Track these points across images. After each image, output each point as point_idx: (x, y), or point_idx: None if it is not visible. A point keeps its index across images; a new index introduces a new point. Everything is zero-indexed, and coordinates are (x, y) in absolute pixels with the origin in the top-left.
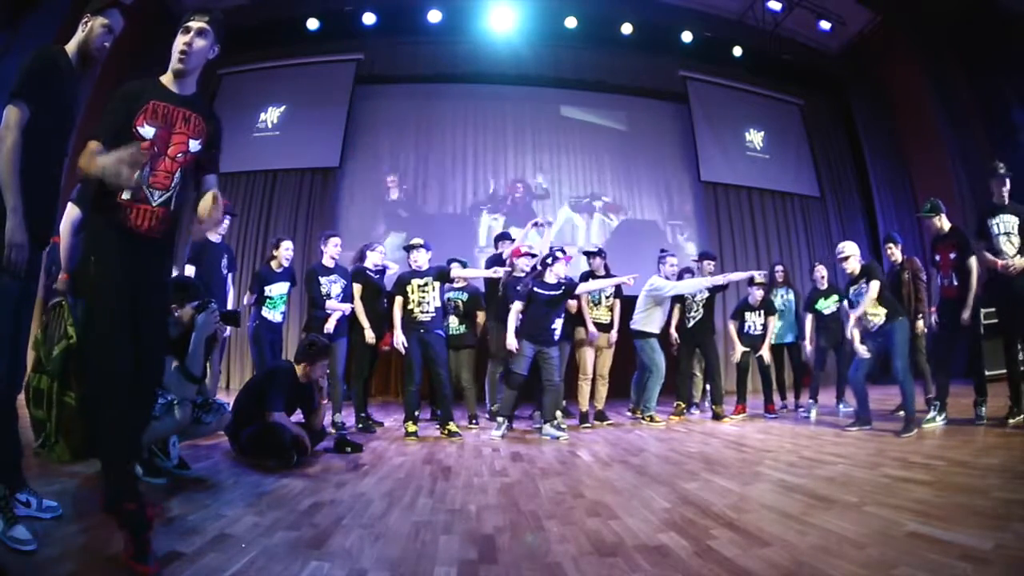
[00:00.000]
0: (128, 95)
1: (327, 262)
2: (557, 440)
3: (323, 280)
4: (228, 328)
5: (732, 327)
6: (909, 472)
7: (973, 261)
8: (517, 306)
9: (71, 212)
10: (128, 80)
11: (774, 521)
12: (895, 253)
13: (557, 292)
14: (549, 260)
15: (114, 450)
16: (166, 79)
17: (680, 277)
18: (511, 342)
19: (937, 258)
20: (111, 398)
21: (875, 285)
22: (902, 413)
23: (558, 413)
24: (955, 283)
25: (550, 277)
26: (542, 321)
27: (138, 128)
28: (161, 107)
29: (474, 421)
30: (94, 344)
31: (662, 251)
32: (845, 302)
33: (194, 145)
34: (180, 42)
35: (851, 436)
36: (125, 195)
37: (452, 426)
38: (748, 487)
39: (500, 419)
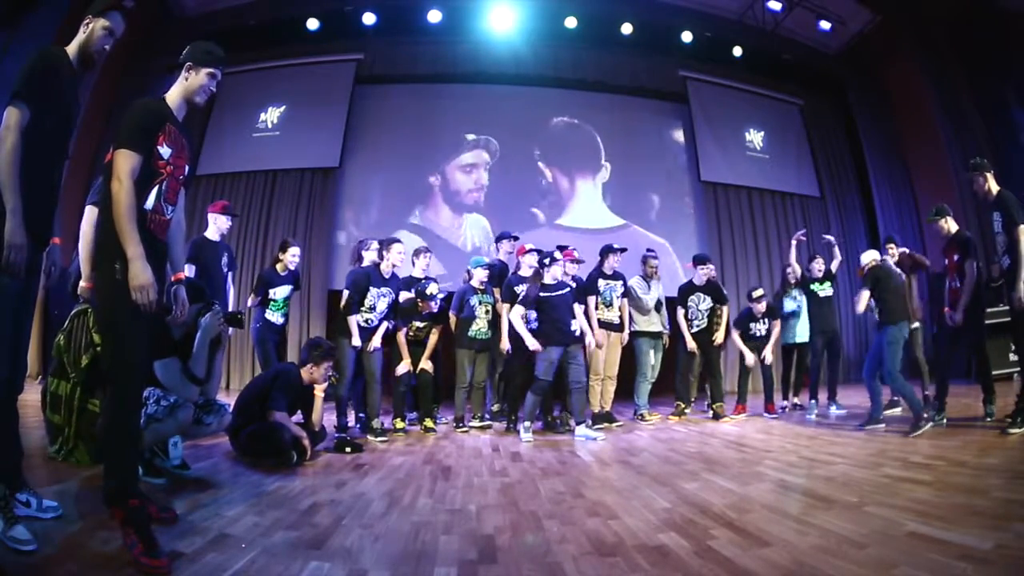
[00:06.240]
0: (153, 113)
1: (385, 269)
2: (595, 441)
3: (382, 290)
4: (231, 329)
5: (736, 335)
6: (909, 472)
7: (972, 263)
8: (519, 310)
9: (92, 215)
10: (128, 86)
11: (774, 521)
12: (895, 254)
13: (565, 291)
14: (547, 261)
15: (123, 448)
16: (173, 104)
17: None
18: (532, 343)
19: (945, 262)
20: (136, 400)
21: (865, 293)
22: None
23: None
24: (959, 285)
25: (548, 278)
26: (560, 323)
27: (159, 147)
28: (174, 131)
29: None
30: (127, 351)
31: (648, 250)
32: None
33: (187, 169)
34: (209, 85)
35: (851, 436)
36: (148, 205)
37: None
38: (748, 487)
39: (527, 423)
